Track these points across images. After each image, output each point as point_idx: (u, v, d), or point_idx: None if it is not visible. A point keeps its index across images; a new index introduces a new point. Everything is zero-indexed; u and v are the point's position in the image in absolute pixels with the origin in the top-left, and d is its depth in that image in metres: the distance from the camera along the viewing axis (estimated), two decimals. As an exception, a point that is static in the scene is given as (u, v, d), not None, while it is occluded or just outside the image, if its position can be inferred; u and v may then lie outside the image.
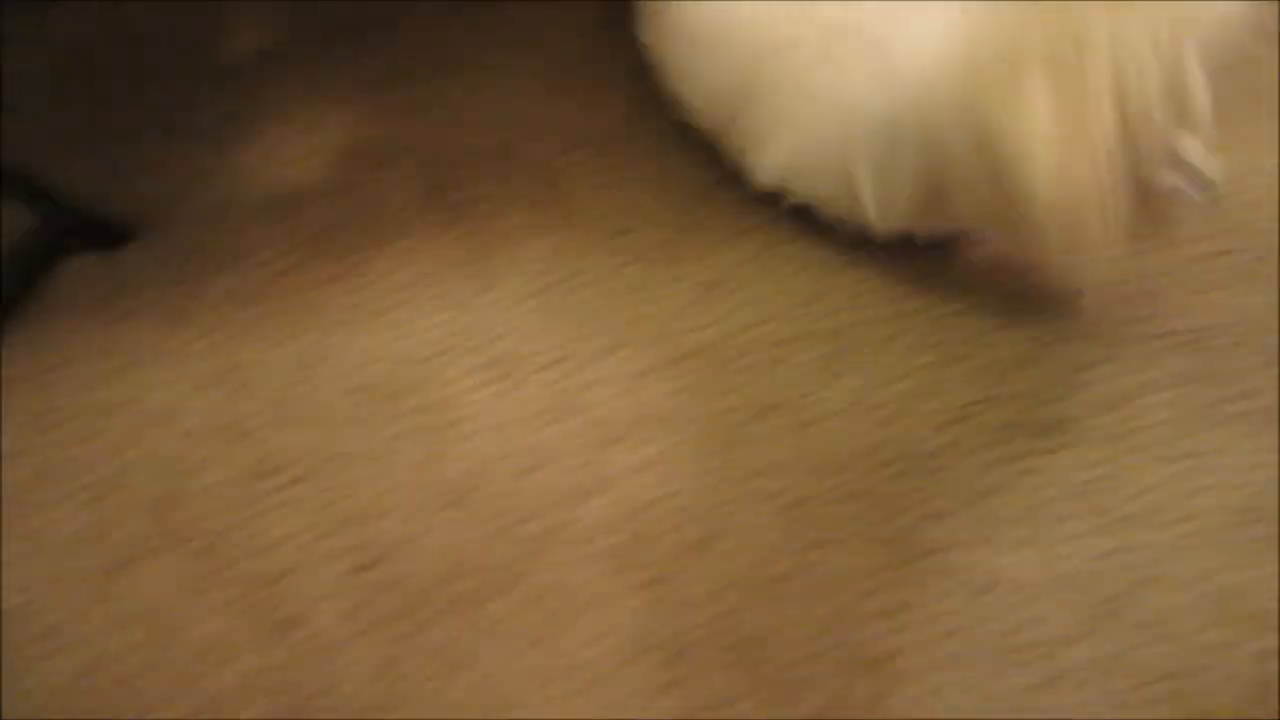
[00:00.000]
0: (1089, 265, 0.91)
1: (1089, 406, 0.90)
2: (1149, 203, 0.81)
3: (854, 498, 0.86)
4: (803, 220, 1.03)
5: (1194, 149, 0.80)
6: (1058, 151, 0.76)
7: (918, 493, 0.85)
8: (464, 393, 0.95)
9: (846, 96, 0.92)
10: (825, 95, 0.93)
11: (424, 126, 1.18)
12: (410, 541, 0.86)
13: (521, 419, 0.92)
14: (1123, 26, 0.73)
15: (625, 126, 1.15)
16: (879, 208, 0.93)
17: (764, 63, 0.97)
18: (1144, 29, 0.73)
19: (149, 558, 0.86)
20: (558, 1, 1.31)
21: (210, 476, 0.90)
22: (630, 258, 1.03)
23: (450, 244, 1.06)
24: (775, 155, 0.99)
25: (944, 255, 1.01)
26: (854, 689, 0.77)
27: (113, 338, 1.01)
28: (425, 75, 1.24)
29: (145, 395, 0.97)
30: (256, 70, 1.28)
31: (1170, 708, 0.74)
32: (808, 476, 0.87)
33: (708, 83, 1.04)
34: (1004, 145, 0.79)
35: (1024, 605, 0.80)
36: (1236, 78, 0.77)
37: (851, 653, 0.78)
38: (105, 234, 1.09)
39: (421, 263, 1.05)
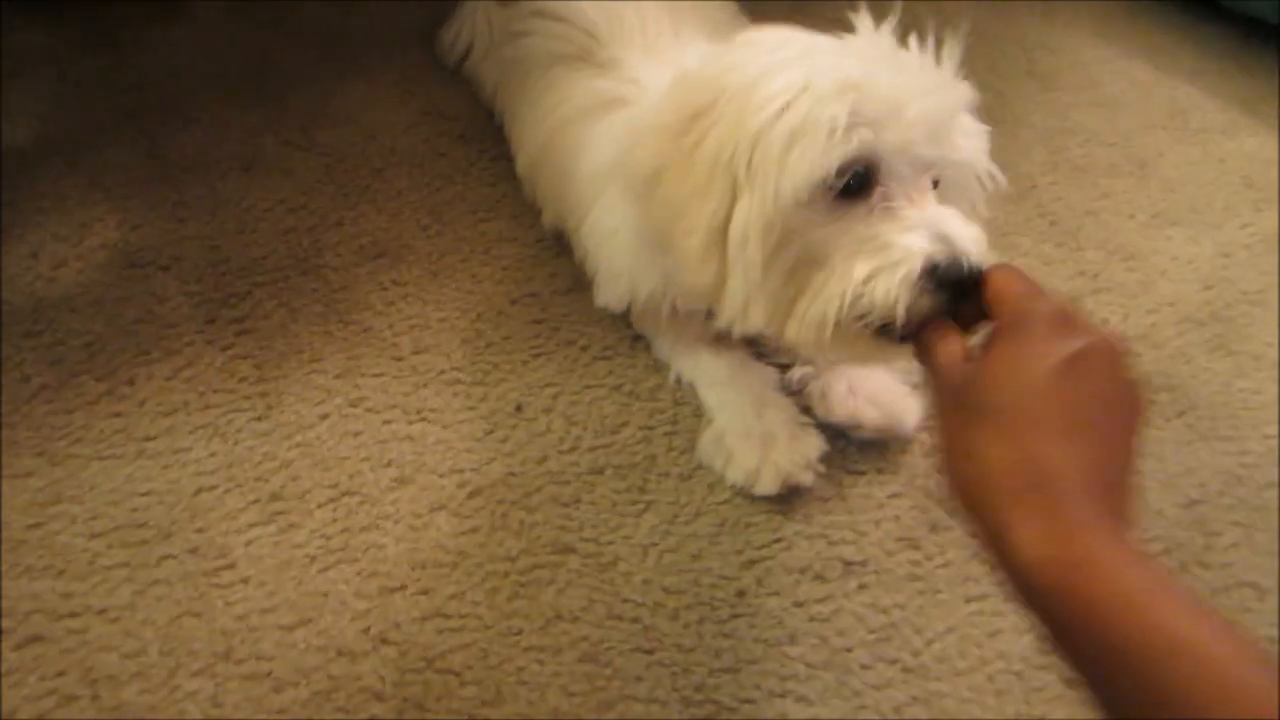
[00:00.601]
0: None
1: (889, 543, 0.88)
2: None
3: (651, 649, 0.81)
4: (619, 339, 1.00)
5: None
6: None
7: (716, 640, 0.81)
8: (232, 534, 0.86)
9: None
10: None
11: (208, 230, 1.10)
12: (159, 711, 0.77)
13: (295, 564, 0.84)
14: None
15: (424, 236, 1.10)
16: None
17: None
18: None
19: None
20: (358, 108, 1.25)
21: (-73, 639, 0.79)
22: (423, 380, 0.97)
23: (228, 363, 0.98)
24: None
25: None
26: None
27: None
28: (214, 172, 1.16)
29: None
30: (29, 160, 1.18)
31: None
32: (603, 626, 0.82)
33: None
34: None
35: (822, 765, 0.76)
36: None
37: (641, 827, 0.73)
38: None
39: (195, 384, 0.96)
